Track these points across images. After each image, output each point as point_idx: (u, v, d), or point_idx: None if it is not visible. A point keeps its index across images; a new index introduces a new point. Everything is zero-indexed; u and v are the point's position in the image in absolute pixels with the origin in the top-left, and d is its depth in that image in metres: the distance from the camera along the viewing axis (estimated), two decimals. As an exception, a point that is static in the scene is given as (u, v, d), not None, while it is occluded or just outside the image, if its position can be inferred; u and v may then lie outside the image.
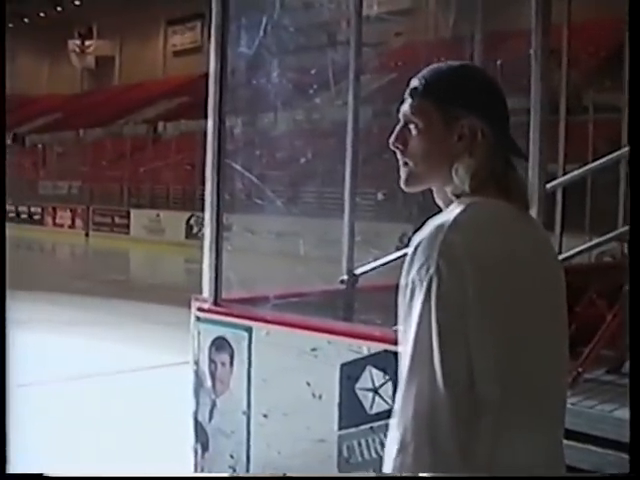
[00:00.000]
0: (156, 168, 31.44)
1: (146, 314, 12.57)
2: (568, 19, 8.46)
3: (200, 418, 4.72)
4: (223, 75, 4.77)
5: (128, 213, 30.78)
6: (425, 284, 1.75)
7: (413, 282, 1.78)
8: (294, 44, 5.83)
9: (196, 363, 4.72)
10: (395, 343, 3.82)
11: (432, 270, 1.75)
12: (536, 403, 1.84)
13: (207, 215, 4.81)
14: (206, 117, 4.79)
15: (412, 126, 1.90)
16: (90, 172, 34.73)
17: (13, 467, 2.26)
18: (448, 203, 1.91)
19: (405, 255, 4.68)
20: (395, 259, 5.06)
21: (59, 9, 45.54)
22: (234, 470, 4.57)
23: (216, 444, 4.65)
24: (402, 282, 1.81)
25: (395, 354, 3.79)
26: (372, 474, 3.95)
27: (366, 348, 3.92)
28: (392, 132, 1.95)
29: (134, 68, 45.62)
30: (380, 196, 19.97)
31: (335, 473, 4.05)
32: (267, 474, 4.44)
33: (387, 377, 3.83)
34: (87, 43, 48.31)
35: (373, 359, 3.89)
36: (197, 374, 4.72)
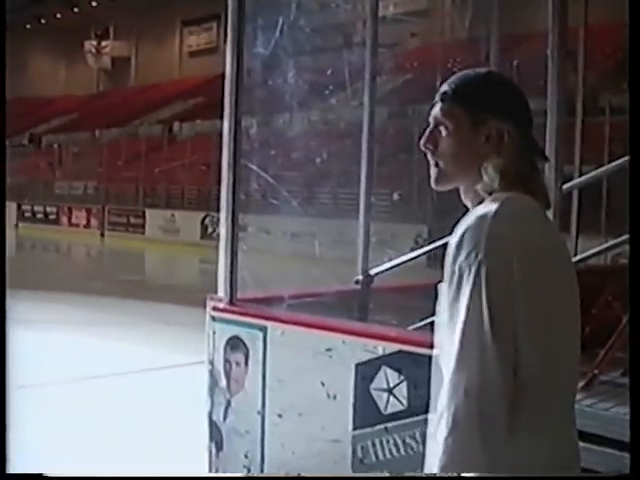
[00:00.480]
0: (171, 168, 31.50)
1: (161, 314, 12.59)
2: (585, 21, 8.44)
3: (215, 417, 4.73)
4: (239, 75, 4.77)
5: (143, 213, 30.86)
6: (474, 269, 1.85)
7: (461, 268, 1.87)
8: (310, 45, 5.83)
9: (211, 362, 4.72)
10: (410, 343, 3.85)
11: (481, 256, 1.85)
12: (563, 399, 1.97)
13: (222, 215, 4.82)
14: (221, 117, 4.80)
15: (442, 128, 2.02)
16: (106, 172, 34.84)
17: (26, 464, 2.27)
18: (479, 201, 2.01)
19: (418, 256, 4.70)
20: (410, 259, 5.06)
21: (76, 10, 45.67)
22: (248, 470, 4.58)
23: (230, 444, 4.66)
24: (448, 270, 1.90)
25: (410, 354, 3.81)
26: (385, 474, 3.95)
27: (381, 348, 3.92)
28: (422, 134, 2.06)
29: (150, 69, 45.74)
30: (395, 196, 19.97)
31: (349, 473, 4.05)
32: (282, 474, 4.45)
33: (402, 377, 3.83)
34: (103, 44, 48.48)
35: (388, 359, 3.89)
36: (212, 373, 4.73)
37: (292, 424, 4.34)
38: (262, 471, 4.49)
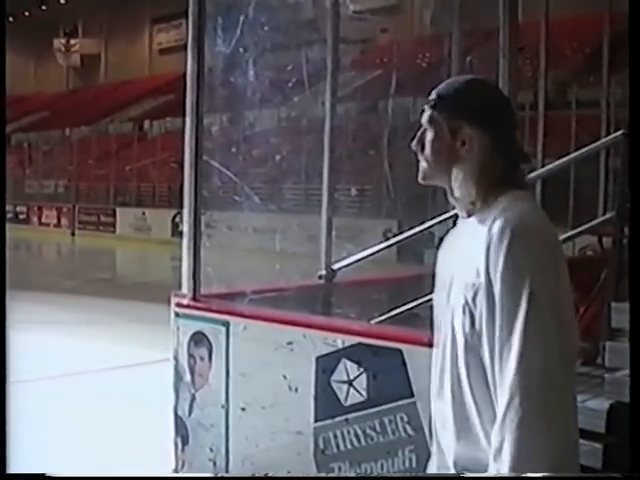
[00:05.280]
0: (142, 166, 31.39)
1: (133, 312, 12.57)
2: (546, 16, 8.57)
3: (180, 412, 4.77)
4: (200, 74, 4.83)
5: (114, 211, 30.74)
6: (531, 263, 1.98)
7: (518, 263, 1.98)
8: (284, 42, 5.88)
9: (175, 358, 4.77)
10: (369, 335, 3.91)
11: (536, 250, 2.00)
12: None
13: (185, 212, 4.87)
14: (184, 115, 4.85)
15: (427, 132, 2.22)
16: (76, 171, 34.65)
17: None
18: (477, 203, 2.15)
19: (381, 250, 4.73)
20: (372, 254, 5.10)
21: (44, 8, 45.35)
22: (214, 463, 4.63)
23: (196, 437, 4.71)
24: (501, 264, 1.99)
25: (369, 346, 3.87)
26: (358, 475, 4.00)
27: (341, 341, 3.98)
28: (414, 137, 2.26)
29: (120, 66, 45.51)
30: (354, 192, 20.03)
31: (312, 465, 4.11)
32: (247, 467, 4.50)
33: (361, 369, 3.90)
34: (72, 41, 48.14)
35: (348, 352, 3.95)
36: (177, 369, 4.77)
37: (256, 417, 4.40)
38: (227, 464, 4.55)
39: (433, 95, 2.24)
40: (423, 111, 2.25)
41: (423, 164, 2.22)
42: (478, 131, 2.14)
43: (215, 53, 5.34)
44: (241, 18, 5.34)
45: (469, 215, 2.17)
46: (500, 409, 1.96)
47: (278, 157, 7.50)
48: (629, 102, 2.25)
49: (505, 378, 1.96)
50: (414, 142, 2.25)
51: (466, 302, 2.05)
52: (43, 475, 2.08)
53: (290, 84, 6.84)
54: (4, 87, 2.34)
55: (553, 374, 1.94)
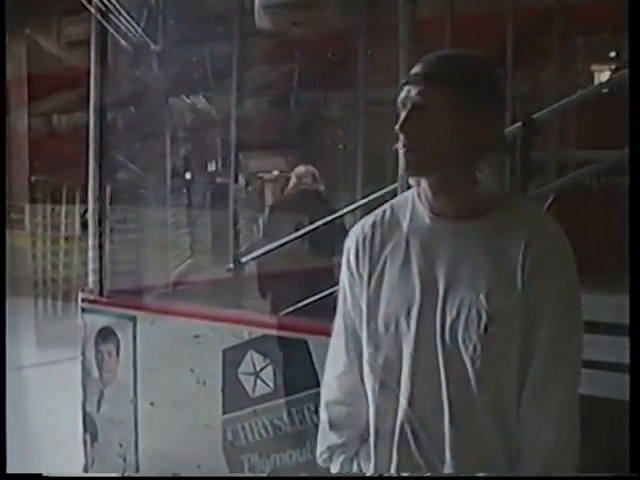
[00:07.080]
0: (51, 162, 30.95)
1: (47, 310, 12.42)
2: (451, 13, 8.73)
3: (88, 408, 4.75)
4: (104, 67, 4.82)
5: (22, 208, 30.23)
6: (574, 284, 1.82)
7: (574, 286, 1.82)
8: (193, 35, 5.88)
9: (83, 354, 4.74)
10: (274, 327, 3.95)
11: (575, 274, 1.81)
12: None
13: (90, 208, 4.85)
14: (88, 110, 4.83)
15: (429, 112, 1.74)
16: (-17, 167, 33.98)
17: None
18: (490, 203, 1.82)
19: (288, 242, 4.75)
20: (277, 247, 5.14)
21: (-54, -1, 44.32)
22: (124, 459, 4.62)
23: (105, 434, 4.69)
24: (557, 283, 1.79)
25: (274, 338, 3.91)
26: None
27: (247, 333, 4.01)
28: (397, 117, 1.80)
29: (27, 60, 44.73)
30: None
31: (221, 457, 4.14)
32: (157, 462, 4.50)
33: (268, 361, 3.94)
34: (-23, 34, 47.15)
35: (254, 343, 3.99)
36: (84, 365, 4.74)
37: (165, 412, 4.40)
38: (137, 459, 4.54)
39: (434, 68, 1.76)
40: (406, 85, 1.77)
41: (424, 151, 1.75)
42: (500, 117, 1.79)
43: (120, 47, 5.32)
44: (145, 11, 5.33)
45: (461, 216, 1.81)
46: (540, 412, 1.80)
47: (184, 151, 7.49)
48: (629, 103, 2.00)
49: (549, 388, 1.80)
50: (400, 124, 1.75)
51: (489, 317, 1.76)
52: (40, 475, 2.08)
53: (198, 77, 6.84)
54: (4, 87, 2.33)
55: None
